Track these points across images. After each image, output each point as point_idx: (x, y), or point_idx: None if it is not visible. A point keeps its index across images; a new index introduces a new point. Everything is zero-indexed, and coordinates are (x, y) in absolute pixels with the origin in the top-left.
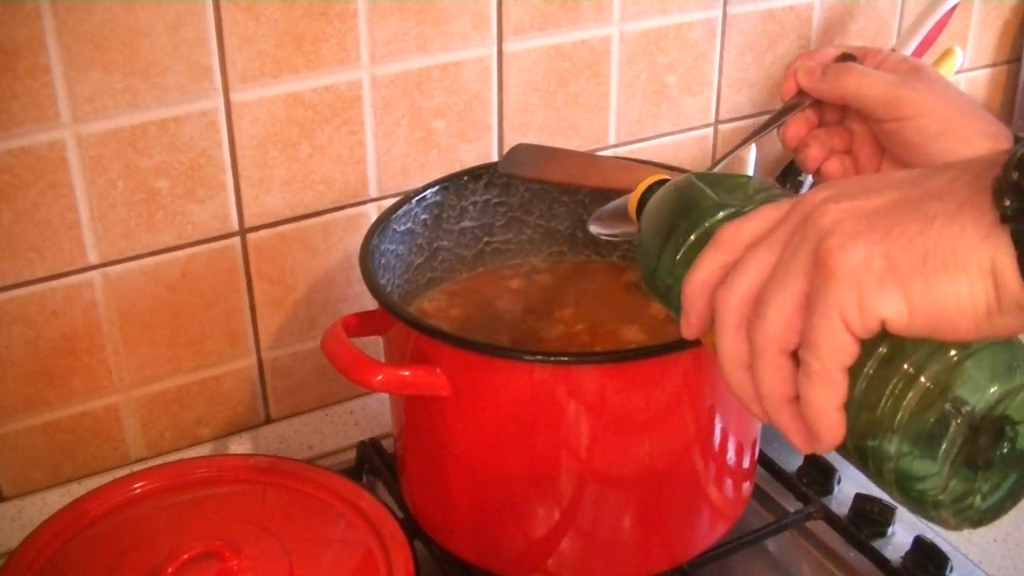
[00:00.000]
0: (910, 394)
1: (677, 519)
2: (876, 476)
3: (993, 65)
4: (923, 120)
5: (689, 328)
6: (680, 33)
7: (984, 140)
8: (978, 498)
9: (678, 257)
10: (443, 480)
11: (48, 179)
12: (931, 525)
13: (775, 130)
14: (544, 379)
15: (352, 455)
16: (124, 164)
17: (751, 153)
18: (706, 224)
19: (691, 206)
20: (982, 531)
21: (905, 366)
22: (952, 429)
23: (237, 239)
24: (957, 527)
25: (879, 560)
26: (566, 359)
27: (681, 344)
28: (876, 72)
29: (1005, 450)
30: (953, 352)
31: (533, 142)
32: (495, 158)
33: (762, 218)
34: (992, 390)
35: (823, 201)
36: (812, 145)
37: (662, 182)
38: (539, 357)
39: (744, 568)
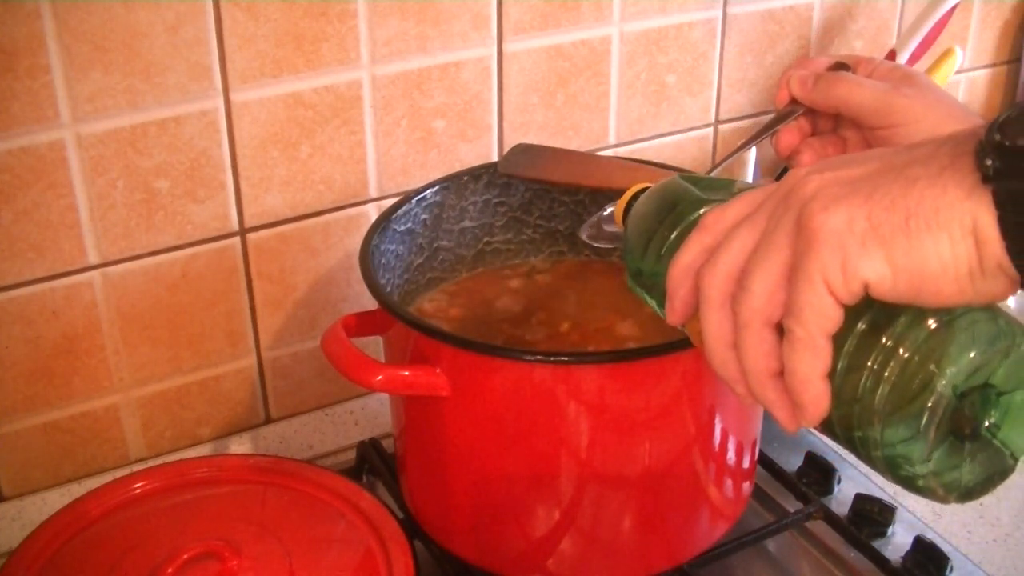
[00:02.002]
0: (891, 365)
1: (677, 519)
2: (862, 449)
3: (993, 65)
4: (914, 127)
5: (673, 313)
6: (680, 33)
7: None
8: (966, 471)
9: (662, 251)
10: (443, 480)
11: (48, 179)
12: (931, 525)
13: (768, 138)
14: (544, 379)
15: (352, 455)
16: (124, 164)
17: (751, 154)
18: (690, 218)
19: (675, 202)
20: (982, 531)
21: (884, 339)
22: (934, 398)
23: (237, 239)
24: (944, 499)
25: (879, 560)
26: (566, 359)
27: (681, 344)
28: (867, 80)
29: (992, 420)
30: (932, 321)
31: (533, 142)
32: (495, 158)
33: (746, 200)
34: (972, 356)
35: (806, 174)
36: (805, 153)
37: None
38: (539, 357)
39: (744, 568)
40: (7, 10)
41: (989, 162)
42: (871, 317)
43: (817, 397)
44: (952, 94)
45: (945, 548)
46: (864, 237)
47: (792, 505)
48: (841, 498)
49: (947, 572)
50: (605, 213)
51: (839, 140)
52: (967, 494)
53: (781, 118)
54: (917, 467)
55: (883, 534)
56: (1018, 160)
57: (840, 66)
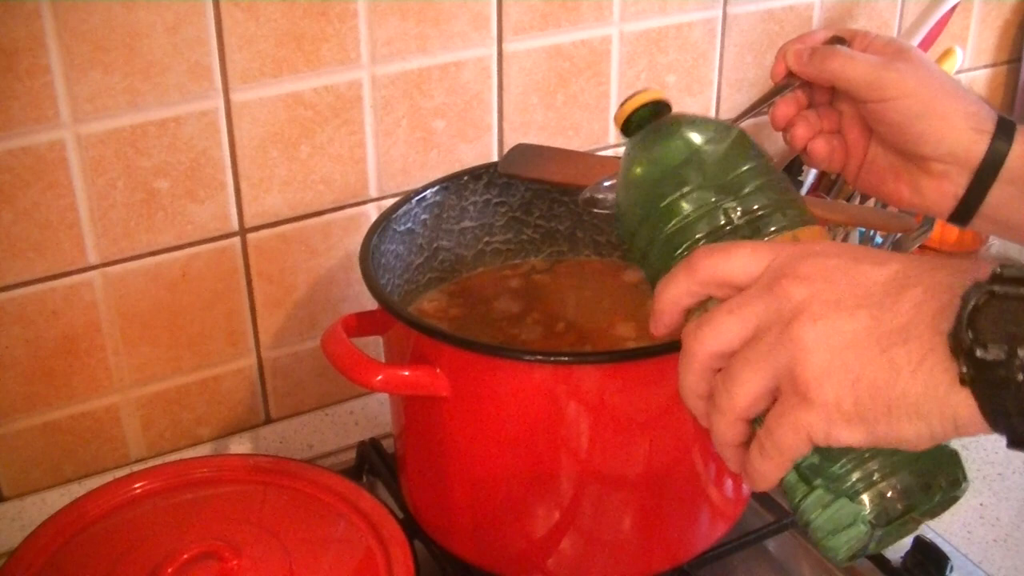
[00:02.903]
0: (832, 502)
1: (677, 519)
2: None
3: (993, 65)
4: (905, 101)
5: (656, 331)
6: (680, 33)
7: (964, 120)
8: (874, 542)
9: (655, 236)
10: (443, 480)
11: (48, 179)
12: (931, 525)
13: (765, 111)
14: (544, 379)
15: (352, 455)
16: (124, 164)
17: None
18: (687, 215)
19: (678, 183)
20: (982, 531)
21: (843, 461)
22: (865, 531)
23: (237, 239)
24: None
25: (879, 560)
26: (566, 359)
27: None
28: (861, 55)
29: (904, 523)
30: (876, 473)
31: (533, 142)
32: (495, 158)
33: (738, 264)
34: (903, 505)
35: (800, 309)
36: (799, 125)
37: (654, 107)
38: (539, 357)
39: (744, 568)
40: (7, 10)
41: (964, 369)
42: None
43: (767, 485)
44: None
45: (945, 548)
46: (850, 416)
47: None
48: None
49: (947, 572)
50: (606, 183)
51: (834, 113)
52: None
53: (777, 91)
54: (841, 551)
55: None
56: (990, 370)
57: (837, 40)
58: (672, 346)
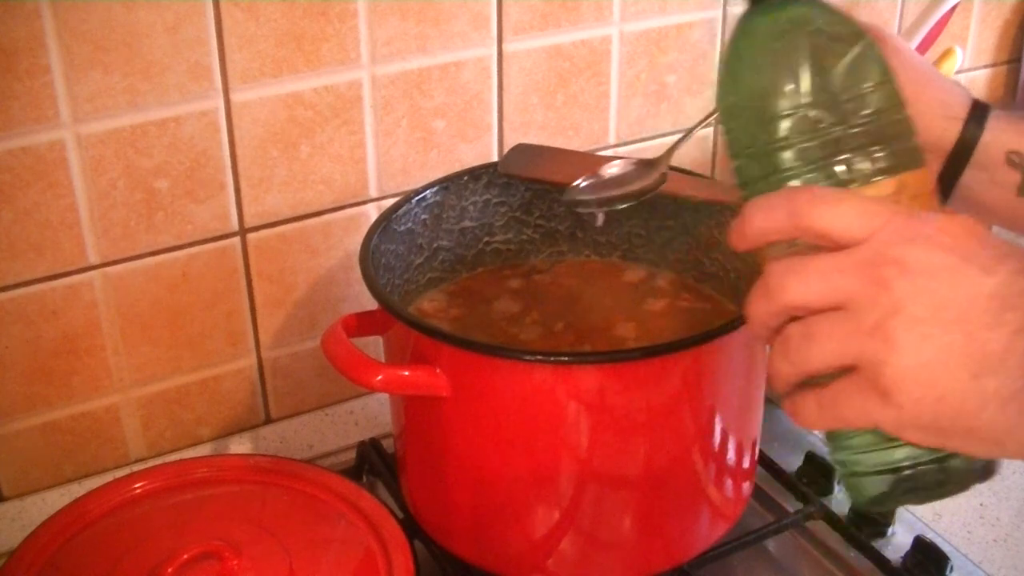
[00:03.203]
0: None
1: (677, 519)
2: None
3: (993, 65)
4: None
5: (736, 245)
6: (680, 33)
7: (936, 108)
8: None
9: (756, 142)
10: (443, 480)
11: (48, 179)
12: (931, 525)
13: None
14: (544, 379)
15: (352, 455)
16: (124, 164)
17: None
18: (795, 137)
19: (792, 91)
20: (982, 531)
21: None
22: (893, 483)
23: (237, 239)
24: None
25: (879, 560)
26: (566, 359)
27: (681, 344)
28: None
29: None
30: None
31: (533, 142)
32: (495, 158)
33: (842, 220)
34: (943, 476)
35: (900, 305)
36: None
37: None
38: (539, 357)
39: (744, 568)
40: (7, 10)
41: None
42: None
43: (810, 427)
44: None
45: (945, 548)
46: (925, 427)
47: (792, 505)
48: (841, 498)
49: (947, 572)
50: (584, 184)
51: None
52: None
53: None
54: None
55: (883, 534)
56: None
57: None
58: (672, 346)
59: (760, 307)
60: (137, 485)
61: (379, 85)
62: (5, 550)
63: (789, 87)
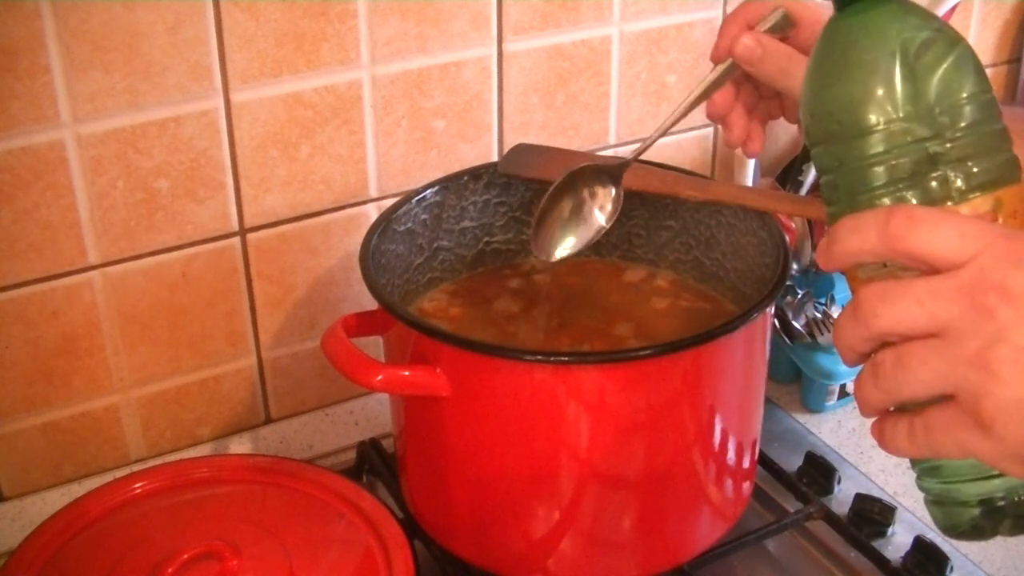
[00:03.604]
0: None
1: (677, 519)
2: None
3: (993, 65)
4: None
5: (823, 264)
6: (680, 33)
7: None
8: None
9: (847, 157)
10: (443, 480)
11: (48, 179)
12: (931, 525)
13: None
14: (544, 379)
15: (352, 455)
16: (124, 164)
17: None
18: (888, 151)
19: (886, 100)
20: None
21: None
22: (976, 515)
23: (237, 239)
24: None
25: (879, 560)
26: (566, 359)
27: (681, 344)
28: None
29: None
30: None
31: (533, 142)
32: (495, 158)
33: (939, 242)
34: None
35: (1002, 333)
36: (736, 122)
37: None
38: (539, 357)
39: (744, 568)
40: (7, 10)
41: None
42: None
43: (899, 455)
44: None
45: (945, 548)
46: (1018, 458)
47: (792, 505)
48: (841, 498)
49: (947, 572)
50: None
51: (776, 101)
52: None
53: (722, 79)
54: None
55: (883, 534)
56: None
57: (785, 20)
58: (672, 346)
59: (851, 333)
60: (137, 485)
61: (379, 85)
62: (5, 550)
63: (881, 98)
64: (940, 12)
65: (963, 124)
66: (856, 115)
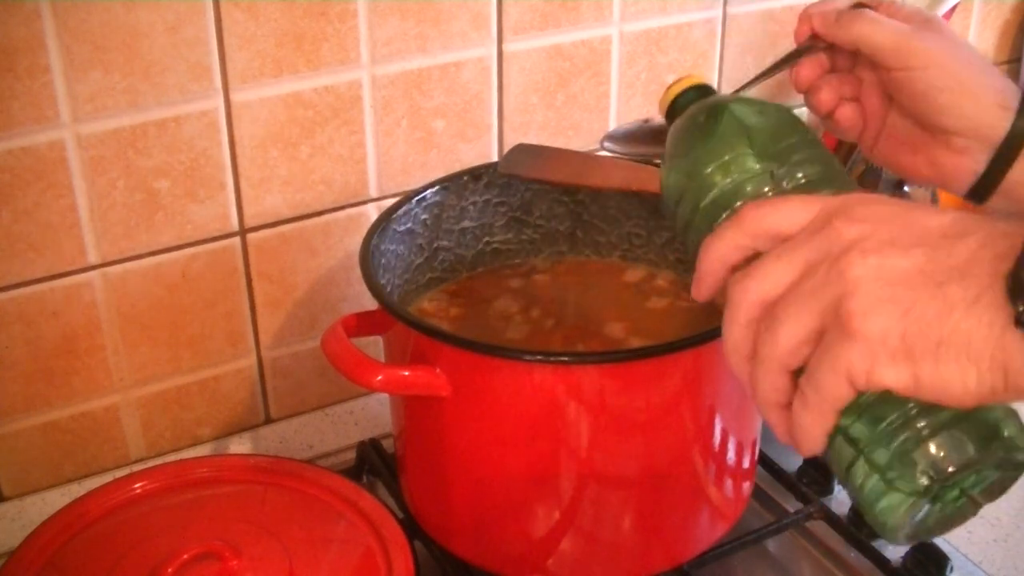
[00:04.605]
0: (900, 438)
1: (677, 519)
2: (847, 477)
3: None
4: (931, 72)
5: (699, 294)
6: (680, 33)
7: (991, 95)
8: (930, 517)
9: (699, 203)
10: (443, 480)
11: (48, 179)
12: None
13: (787, 71)
14: (544, 379)
15: (352, 455)
16: (124, 164)
17: None
18: (732, 181)
19: (723, 151)
20: (982, 531)
21: (890, 419)
22: (927, 480)
23: (237, 239)
24: (901, 537)
25: (879, 560)
26: (566, 359)
27: (681, 344)
28: (889, 20)
29: (973, 490)
30: (924, 430)
31: (533, 142)
32: (495, 158)
33: (787, 215)
34: (953, 467)
35: (852, 245)
36: (823, 89)
37: (698, 90)
38: (539, 357)
39: (744, 568)
40: (7, 10)
41: (1021, 308)
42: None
43: (813, 447)
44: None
45: (945, 548)
46: (895, 353)
47: (792, 505)
48: (841, 498)
49: (947, 572)
50: (630, 127)
51: (854, 79)
52: (923, 535)
53: (800, 52)
54: (890, 518)
55: None
56: None
57: (860, 5)
58: (672, 346)
59: (731, 332)
60: (137, 485)
61: (379, 85)
62: (5, 550)
63: (725, 146)
64: (940, 12)
65: (795, 157)
66: (701, 169)
